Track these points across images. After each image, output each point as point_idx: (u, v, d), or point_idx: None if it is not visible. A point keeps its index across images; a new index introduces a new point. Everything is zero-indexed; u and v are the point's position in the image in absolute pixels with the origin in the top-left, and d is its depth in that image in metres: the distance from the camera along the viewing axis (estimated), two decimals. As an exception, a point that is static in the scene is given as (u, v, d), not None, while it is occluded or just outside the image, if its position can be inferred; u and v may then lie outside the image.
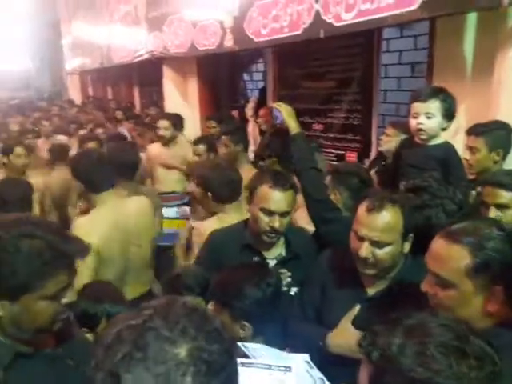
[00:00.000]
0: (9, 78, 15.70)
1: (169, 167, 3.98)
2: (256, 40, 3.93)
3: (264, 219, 1.66)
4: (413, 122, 2.03)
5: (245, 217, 2.02)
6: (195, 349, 0.62)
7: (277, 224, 1.64)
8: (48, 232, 1.02)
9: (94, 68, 9.81)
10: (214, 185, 2.21)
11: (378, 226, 1.36)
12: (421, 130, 2.00)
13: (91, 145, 3.68)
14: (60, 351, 1.15)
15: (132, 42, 6.97)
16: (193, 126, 6.08)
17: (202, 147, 3.53)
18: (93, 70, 10.58)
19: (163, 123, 3.97)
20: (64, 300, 1.06)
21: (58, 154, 3.69)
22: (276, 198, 1.64)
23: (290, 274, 1.70)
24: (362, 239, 1.39)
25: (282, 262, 1.75)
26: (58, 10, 11.82)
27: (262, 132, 4.92)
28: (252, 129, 5.40)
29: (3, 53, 16.29)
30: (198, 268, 1.80)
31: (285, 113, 1.95)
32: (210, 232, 1.88)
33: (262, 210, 1.66)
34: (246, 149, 3.54)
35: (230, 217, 2.15)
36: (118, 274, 2.11)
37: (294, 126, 1.90)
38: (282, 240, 1.77)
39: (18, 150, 3.44)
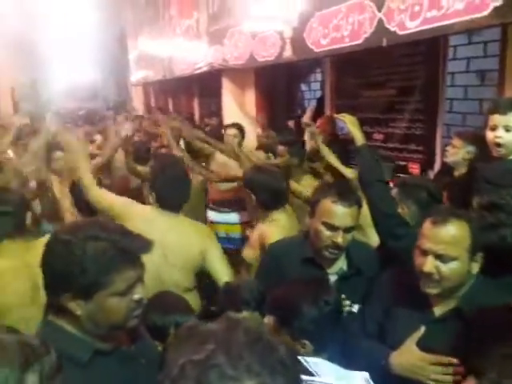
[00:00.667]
0: (78, 88, 16.79)
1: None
2: (316, 50, 3.91)
3: (326, 234, 1.62)
4: (490, 135, 1.90)
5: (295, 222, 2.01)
6: None
7: (340, 240, 1.60)
8: (111, 232, 1.09)
9: (157, 80, 10.24)
10: (258, 189, 2.21)
11: (443, 239, 1.32)
12: (499, 143, 1.88)
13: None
14: (134, 350, 1.20)
15: (193, 55, 7.19)
16: (250, 136, 6.17)
17: (262, 154, 3.60)
18: (155, 82, 11.05)
19: (232, 131, 4.06)
20: (136, 296, 1.10)
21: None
22: (340, 212, 1.60)
23: (348, 302, 1.66)
24: (426, 253, 1.35)
25: (344, 278, 1.71)
26: (124, 26, 12.47)
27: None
28: (308, 139, 5.38)
29: (73, 65, 17.47)
30: (255, 282, 1.79)
31: (349, 123, 1.91)
32: (270, 243, 1.87)
33: (325, 224, 1.62)
34: (301, 162, 3.51)
35: (281, 221, 2.14)
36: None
37: (359, 137, 1.86)
38: (343, 254, 1.73)
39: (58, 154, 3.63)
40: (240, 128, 4.20)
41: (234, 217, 3.68)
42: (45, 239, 1.95)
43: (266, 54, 4.84)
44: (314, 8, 3.92)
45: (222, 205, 3.74)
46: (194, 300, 2.11)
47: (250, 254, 2.26)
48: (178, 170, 2.21)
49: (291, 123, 5.65)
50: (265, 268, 1.85)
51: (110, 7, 13.80)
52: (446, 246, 1.31)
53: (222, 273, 2.06)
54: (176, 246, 2.02)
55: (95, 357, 1.09)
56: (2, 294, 1.74)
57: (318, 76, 5.65)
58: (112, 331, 1.13)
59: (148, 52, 10.02)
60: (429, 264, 1.32)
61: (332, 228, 1.61)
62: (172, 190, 2.05)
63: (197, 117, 9.22)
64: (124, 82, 15.36)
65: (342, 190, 1.65)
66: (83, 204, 2.42)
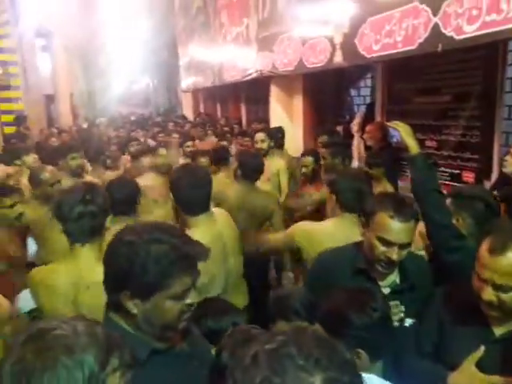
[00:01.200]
0: (131, 95, 17.48)
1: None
2: (367, 56, 3.87)
3: (380, 249, 1.57)
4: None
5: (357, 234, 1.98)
6: (329, 379, 0.63)
7: (395, 256, 1.55)
8: (173, 236, 1.13)
9: (206, 86, 10.46)
10: (341, 190, 2.17)
11: (502, 270, 1.24)
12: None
13: (203, 160, 3.91)
14: (187, 350, 1.23)
15: (242, 62, 7.30)
16: (296, 141, 6.17)
17: (309, 159, 3.60)
18: (204, 88, 11.29)
19: (259, 136, 4.12)
20: (188, 301, 1.13)
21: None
22: (396, 228, 1.54)
23: (403, 308, 1.60)
24: (484, 281, 1.28)
25: (396, 291, 1.65)
26: (175, 34, 12.84)
27: (367, 148, 4.82)
28: (357, 144, 5.31)
29: (127, 73, 18.20)
30: (305, 291, 1.78)
31: (403, 132, 1.86)
32: (320, 252, 1.85)
33: (380, 239, 1.57)
34: (344, 162, 3.50)
35: (346, 225, 2.11)
36: (223, 288, 2.15)
37: (413, 146, 1.79)
38: (396, 267, 1.67)
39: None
40: (270, 133, 4.28)
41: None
42: None
43: (316, 60, 4.84)
44: (365, 14, 3.88)
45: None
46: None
47: None
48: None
49: (340, 128, 5.59)
50: (315, 277, 1.83)
51: (161, 16, 14.26)
52: (506, 277, 1.24)
53: None
54: None
55: (152, 356, 1.13)
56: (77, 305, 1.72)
57: (368, 81, 5.56)
58: (165, 332, 1.17)
59: (198, 59, 10.28)
60: (488, 294, 1.27)
61: (387, 244, 1.56)
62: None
63: (244, 122, 9.34)
64: (174, 89, 15.80)
65: (399, 204, 1.58)
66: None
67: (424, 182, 1.75)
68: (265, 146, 4.11)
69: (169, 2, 13.14)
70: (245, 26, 7.10)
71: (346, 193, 2.13)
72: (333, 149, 3.56)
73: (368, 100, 5.54)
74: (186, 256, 1.11)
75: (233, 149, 5.46)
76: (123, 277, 1.09)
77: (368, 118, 5.10)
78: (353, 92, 5.92)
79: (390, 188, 3.37)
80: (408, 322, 1.59)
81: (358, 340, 1.29)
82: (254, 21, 6.67)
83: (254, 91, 8.44)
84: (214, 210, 2.27)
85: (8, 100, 8.52)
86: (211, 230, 2.12)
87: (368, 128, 4.51)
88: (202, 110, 13.02)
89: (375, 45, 3.77)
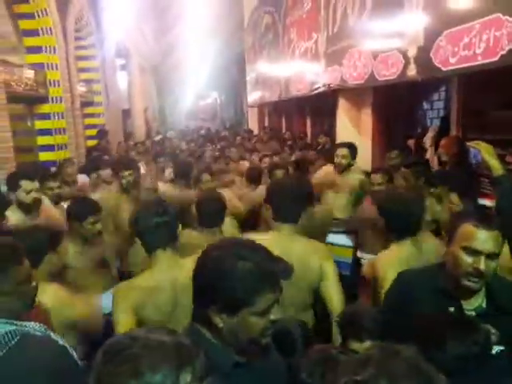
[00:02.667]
0: (200, 110, 18.18)
1: (337, 192, 4.04)
2: (443, 69, 3.77)
3: (467, 260, 1.50)
4: None
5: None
6: None
7: (482, 266, 1.47)
8: (258, 254, 1.16)
9: (272, 101, 10.65)
10: (393, 214, 2.11)
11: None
12: None
13: (279, 172, 3.98)
14: (265, 364, 1.25)
15: (309, 76, 7.37)
16: (364, 156, 6.09)
17: (380, 177, 3.52)
18: (270, 103, 11.50)
19: (342, 151, 4.00)
20: (272, 317, 1.15)
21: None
22: (482, 236, 1.48)
23: (494, 332, 1.49)
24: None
25: (482, 316, 1.55)
26: (243, 51, 13.23)
27: (440, 163, 4.65)
28: (430, 159, 5.15)
29: (196, 89, 18.98)
30: (377, 311, 1.76)
31: (485, 152, 1.80)
32: (399, 272, 1.81)
33: (465, 249, 1.50)
34: (429, 185, 3.22)
35: (404, 250, 2.05)
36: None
37: (497, 167, 1.73)
38: (483, 290, 1.58)
39: (206, 176, 3.92)
40: (352, 147, 4.15)
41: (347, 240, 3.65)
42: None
43: (388, 73, 4.78)
44: (441, 26, 3.80)
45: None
46: (309, 318, 2.15)
47: (368, 271, 2.24)
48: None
49: (411, 142, 5.47)
50: (393, 297, 1.75)
51: (231, 35, 14.78)
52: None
53: (337, 299, 2.01)
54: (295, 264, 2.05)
55: (234, 368, 1.15)
56: (142, 308, 1.83)
57: (442, 94, 5.40)
58: (248, 346, 1.19)
59: (266, 74, 10.52)
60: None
61: (473, 253, 1.49)
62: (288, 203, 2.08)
63: (309, 136, 9.39)
64: (240, 104, 16.22)
65: (482, 214, 1.54)
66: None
67: (510, 201, 1.68)
68: (345, 161, 3.98)
69: (238, 21, 13.62)
70: (314, 41, 7.19)
71: (397, 217, 2.08)
72: (416, 169, 3.35)
73: (442, 113, 5.37)
74: (271, 273, 1.13)
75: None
76: (211, 292, 1.12)
77: (442, 131, 4.94)
78: (425, 105, 5.77)
79: (456, 206, 3.17)
80: (495, 349, 1.50)
81: (444, 367, 1.25)
82: (323, 36, 6.74)
83: (320, 105, 8.47)
84: None
85: (91, 115, 9.23)
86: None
87: (443, 142, 4.35)
88: (266, 123, 13.25)
89: (452, 57, 3.66)
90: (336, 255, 3.39)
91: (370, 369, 0.67)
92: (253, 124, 14.04)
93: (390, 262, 2.03)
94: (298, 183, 2.30)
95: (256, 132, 12.01)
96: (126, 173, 3.58)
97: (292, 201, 2.08)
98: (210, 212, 2.70)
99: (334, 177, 4.11)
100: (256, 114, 13.94)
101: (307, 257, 2.03)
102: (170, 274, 1.88)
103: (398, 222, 2.10)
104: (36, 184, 3.10)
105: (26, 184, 3.03)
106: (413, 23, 4.21)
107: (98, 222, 2.69)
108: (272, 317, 1.15)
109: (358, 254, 3.51)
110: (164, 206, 1.97)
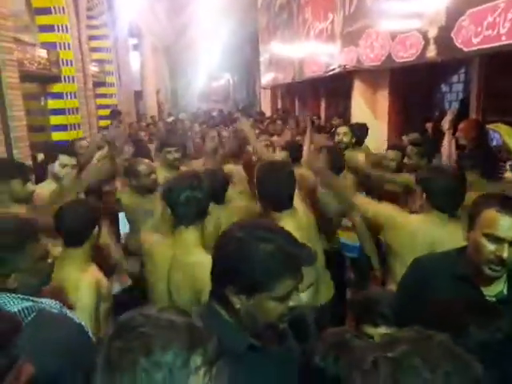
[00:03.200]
0: (212, 91, 18.06)
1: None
2: (465, 50, 3.65)
3: (488, 247, 1.46)
4: None
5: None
6: None
7: (505, 254, 1.42)
8: (282, 238, 1.13)
9: (285, 82, 10.51)
10: (434, 189, 2.02)
11: None
12: None
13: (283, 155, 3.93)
14: (280, 349, 1.23)
15: (324, 57, 7.23)
16: (380, 138, 6.00)
17: (395, 153, 3.51)
18: (283, 85, 11.35)
19: (342, 129, 4.08)
20: (291, 303, 1.13)
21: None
22: (506, 223, 1.43)
23: None
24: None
25: (503, 302, 1.51)
26: (257, 30, 13.03)
27: (458, 147, 4.55)
28: (448, 143, 5.04)
29: (209, 70, 18.80)
30: (392, 296, 1.72)
31: (505, 134, 1.73)
32: (416, 257, 1.75)
33: (487, 236, 1.46)
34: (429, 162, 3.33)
35: (436, 224, 2.00)
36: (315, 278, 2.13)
37: None
38: (504, 276, 1.54)
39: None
40: (354, 127, 4.17)
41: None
42: None
43: (406, 55, 4.66)
44: (464, 5, 3.66)
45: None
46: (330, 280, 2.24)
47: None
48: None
49: (429, 126, 5.34)
50: (410, 282, 1.72)
51: (244, 14, 14.54)
52: None
53: None
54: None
55: (248, 351, 1.13)
56: (163, 279, 1.85)
57: (462, 77, 5.25)
58: (265, 330, 1.17)
59: (279, 55, 10.35)
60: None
61: (496, 240, 1.44)
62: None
63: (323, 118, 9.27)
64: (253, 86, 16.07)
65: (506, 199, 1.47)
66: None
67: None
68: (346, 139, 4.03)
69: (252, 1, 13.37)
70: (330, 21, 7.02)
71: (440, 193, 2.00)
72: (421, 148, 3.38)
73: (461, 96, 5.24)
74: (293, 258, 1.11)
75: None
76: (230, 272, 1.10)
77: (461, 115, 4.82)
78: (444, 88, 5.62)
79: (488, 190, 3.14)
80: None
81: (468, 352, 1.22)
82: (339, 16, 6.57)
83: (335, 87, 8.33)
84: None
85: (103, 96, 9.21)
86: (295, 225, 2.10)
87: (461, 126, 4.25)
88: (279, 106, 13.12)
89: (475, 38, 3.54)
90: (343, 238, 3.39)
91: (403, 346, 0.65)
92: (265, 106, 13.91)
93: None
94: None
95: (268, 114, 11.89)
96: (172, 149, 3.60)
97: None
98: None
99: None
100: (269, 96, 13.80)
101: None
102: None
103: (444, 199, 2.00)
104: (73, 160, 3.13)
105: (63, 158, 3.07)
106: (434, 2, 4.07)
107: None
108: (291, 303, 1.12)
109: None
110: (200, 180, 1.89)
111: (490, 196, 1.55)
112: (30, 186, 2.56)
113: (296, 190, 2.29)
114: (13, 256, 1.36)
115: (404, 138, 4.52)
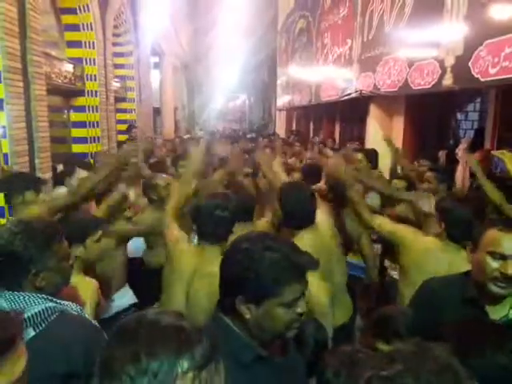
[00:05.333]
0: (229, 111, 18.32)
1: None
2: (482, 79, 3.71)
3: (493, 265, 1.49)
4: None
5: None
6: None
7: (510, 270, 1.45)
8: (284, 246, 1.18)
9: (301, 105, 10.65)
10: (449, 219, 2.08)
11: None
12: None
13: (296, 175, 4.00)
14: (284, 360, 1.25)
15: (341, 82, 7.35)
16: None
17: (401, 183, 3.56)
18: (299, 107, 11.50)
19: (357, 155, 4.11)
20: (299, 310, 1.16)
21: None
22: (508, 240, 1.47)
23: None
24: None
25: (509, 326, 1.50)
26: (275, 53, 13.28)
27: (472, 175, 4.58)
28: (462, 171, 5.07)
29: (226, 90, 19.14)
30: (407, 313, 1.74)
31: (510, 163, 1.77)
32: (425, 279, 1.77)
33: (491, 253, 1.49)
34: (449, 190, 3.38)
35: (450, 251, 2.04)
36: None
37: None
38: (509, 299, 1.55)
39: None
40: (368, 154, 4.22)
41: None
42: None
43: (423, 82, 4.74)
44: (482, 36, 3.75)
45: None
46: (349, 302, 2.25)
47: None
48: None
49: (442, 154, 5.38)
50: (421, 304, 1.73)
51: (263, 36, 14.86)
52: None
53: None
54: None
55: (254, 361, 1.15)
56: (196, 297, 1.88)
57: (477, 106, 5.31)
58: (273, 339, 1.20)
59: (297, 78, 10.53)
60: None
61: (500, 257, 1.48)
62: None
63: (337, 141, 9.35)
64: (269, 107, 16.27)
65: (507, 220, 1.55)
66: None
67: None
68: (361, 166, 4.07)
69: (271, 24, 13.68)
70: (348, 47, 7.17)
71: (457, 225, 2.05)
72: (440, 174, 3.43)
73: (476, 125, 5.28)
74: (297, 264, 1.15)
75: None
76: (239, 282, 1.14)
77: (476, 144, 4.86)
78: (459, 116, 5.67)
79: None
80: None
81: (482, 375, 1.22)
82: (358, 42, 6.72)
83: (351, 111, 8.43)
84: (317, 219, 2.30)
85: (123, 111, 9.43)
86: (314, 242, 2.16)
87: (476, 155, 4.30)
88: (293, 127, 13.26)
89: (492, 68, 3.61)
90: (349, 257, 3.42)
91: (397, 365, 0.65)
92: (280, 127, 14.06)
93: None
94: None
95: (282, 136, 12.02)
96: (184, 163, 3.71)
97: None
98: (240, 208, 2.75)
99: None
100: (284, 118, 13.96)
101: None
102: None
103: (459, 228, 2.05)
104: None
105: (80, 172, 3.24)
106: (452, 32, 4.16)
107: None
108: (299, 310, 1.15)
109: (386, 263, 3.49)
110: (228, 200, 1.98)
111: (492, 219, 1.59)
112: (42, 196, 2.75)
113: (324, 209, 2.34)
114: (41, 255, 1.41)
115: (416, 164, 4.56)
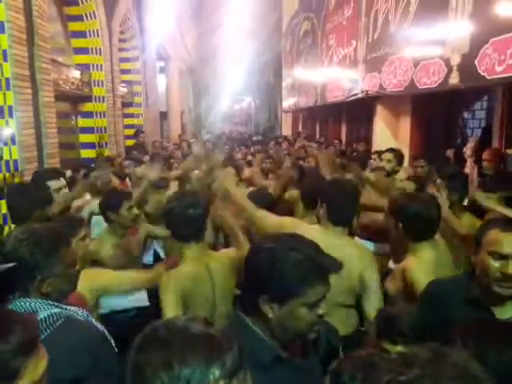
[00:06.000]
0: (234, 114, 18.37)
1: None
2: (488, 77, 3.70)
3: (494, 265, 1.48)
4: None
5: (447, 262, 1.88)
6: None
7: (511, 270, 1.44)
8: (308, 247, 1.18)
9: (307, 106, 10.66)
10: (407, 217, 2.02)
11: None
12: None
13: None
14: (303, 362, 1.25)
15: (347, 82, 7.35)
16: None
17: (411, 185, 3.51)
18: (305, 108, 11.50)
19: (388, 156, 3.91)
20: (320, 311, 1.16)
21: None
22: (508, 240, 1.46)
23: None
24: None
25: None
26: (280, 55, 13.30)
27: (481, 175, 4.54)
28: (470, 170, 5.03)
29: (232, 93, 19.20)
30: (414, 313, 1.73)
31: None
32: (428, 281, 1.73)
33: (492, 254, 1.48)
34: (460, 202, 3.01)
35: (426, 254, 1.98)
36: None
37: None
38: None
39: None
40: (397, 154, 4.06)
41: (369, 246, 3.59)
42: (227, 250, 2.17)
43: (429, 82, 4.73)
44: (488, 34, 3.73)
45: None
46: (351, 317, 2.09)
47: (391, 286, 2.16)
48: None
49: (450, 153, 5.35)
50: (425, 306, 1.70)
51: (268, 38, 14.89)
52: None
53: (373, 307, 1.95)
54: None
55: (274, 362, 1.15)
56: (189, 296, 1.88)
57: (484, 104, 5.28)
58: (294, 339, 1.20)
59: (302, 80, 10.53)
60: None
61: (501, 257, 1.47)
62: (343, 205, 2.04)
63: (344, 142, 9.33)
64: (274, 109, 16.29)
65: (508, 219, 1.53)
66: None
67: None
68: (389, 166, 3.85)
69: (275, 27, 13.71)
70: (353, 48, 7.17)
71: (415, 221, 1.99)
72: (452, 183, 3.01)
73: (483, 123, 5.25)
74: (321, 266, 1.15)
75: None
76: (263, 281, 1.13)
77: (483, 142, 4.83)
78: (466, 115, 5.64)
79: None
80: None
81: (496, 376, 1.20)
82: (363, 42, 6.71)
83: (357, 111, 8.42)
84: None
85: (131, 115, 9.50)
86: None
87: (484, 154, 4.26)
88: (300, 129, 13.25)
89: (498, 66, 3.59)
90: None
91: (415, 369, 0.65)
92: (286, 129, 14.06)
93: (425, 269, 1.98)
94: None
95: (289, 137, 12.02)
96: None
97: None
98: None
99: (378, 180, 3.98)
100: (290, 120, 13.96)
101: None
102: (204, 263, 1.95)
103: (417, 225, 2.01)
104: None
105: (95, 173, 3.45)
106: (458, 30, 4.15)
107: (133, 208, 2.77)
108: (320, 311, 1.16)
109: (391, 264, 3.44)
110: (197, 197, 1.96)
111: (493, 220, 1.59)
112: None
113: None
114: (47, 262, 1.42)
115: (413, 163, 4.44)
